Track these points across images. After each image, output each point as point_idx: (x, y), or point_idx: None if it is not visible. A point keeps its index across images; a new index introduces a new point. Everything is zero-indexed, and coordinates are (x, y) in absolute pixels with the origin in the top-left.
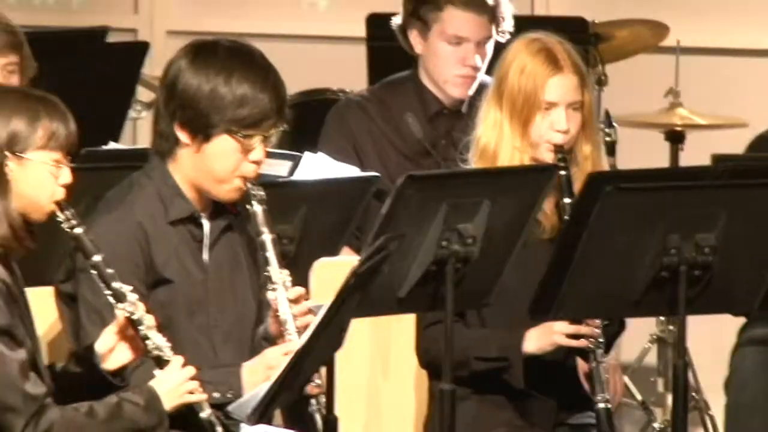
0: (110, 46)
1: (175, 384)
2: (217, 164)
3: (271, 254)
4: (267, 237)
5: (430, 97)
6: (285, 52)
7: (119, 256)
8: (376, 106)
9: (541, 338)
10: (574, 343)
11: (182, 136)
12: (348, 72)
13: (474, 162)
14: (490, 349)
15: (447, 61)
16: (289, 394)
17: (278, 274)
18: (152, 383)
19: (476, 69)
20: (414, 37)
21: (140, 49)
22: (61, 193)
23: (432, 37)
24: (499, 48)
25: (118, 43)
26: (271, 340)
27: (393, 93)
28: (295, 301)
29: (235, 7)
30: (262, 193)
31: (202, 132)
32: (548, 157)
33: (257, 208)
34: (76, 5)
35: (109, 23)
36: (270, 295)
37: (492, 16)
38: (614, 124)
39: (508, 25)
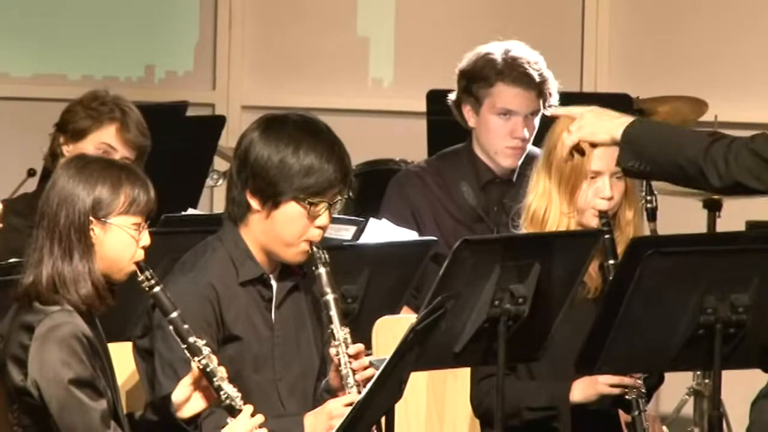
0: (190, 120)
1: (245, 430)
2: (285, 229)
3: (333, 313)
4: (330, 297)
5: (483, 167)
6: (351, 125)
7: (193, 314)
8: (433, 176)
9: (587, 389)
10: (616, 391)
11: (253, 202)
12: (409, 144)
13: (525, 227)
14: (539, 399)
15: (497, 134)
16: None
17: (340, 331)
18: (225, 430)
19: (524, 140)
20: (467, 111)
21: (217, 123)
22: (140, 255)
23: (483, 111)
24: (547, 121)
25: (197, 117)
26: (333, 392)
27: (448, 164)
28: (354, 356)
29: (305, 84)
30: (326, 256)
31: (272, 199)
32: (593, 222)
33: (322, 270)
34: (158, 82)
35: (188, 99)
36: (332, 351)
37: (539, 91)
38: (654, 191)
39: (554, 100)
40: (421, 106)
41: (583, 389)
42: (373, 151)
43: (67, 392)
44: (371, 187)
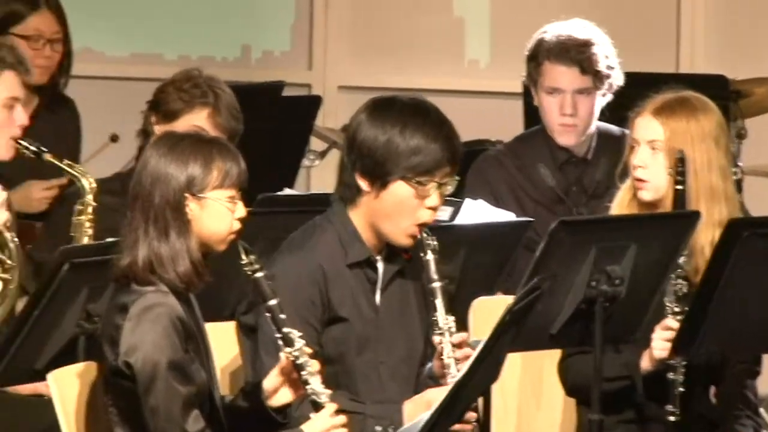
0: (286, 100)
1: (323, 429)
2: (395, 210)
3: (439, 301)
4: (437, 285)
5: (557, 147)
6: (447, 105)
7: (299, 294)
8: (511, 159)
9: (652, 355)
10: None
11: (362, 184)
12: (505, 125)
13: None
14: (614, 369)
15: (549, 112)
16: (448, 423)
17: (444, 320)
18: (304, 426)
19: (574, 117)
20: (533, 92)
21: (313, 103)
22: (237, 226)
23: (539, 91)
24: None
25: (293, 97)
26: (435, 379)
27: (525, 146)
28: (458, 345)
29: (402, 64)
30: (435, 243)
31: (380, 179)
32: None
33: (430, 257)
34: (255, 62)
35: (285, 79)
36: (435, 339)
37: (582, 68)
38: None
39: (616, 79)
40: (518, 86)
41: (649, 356)
42: (469, 131)
43: (155, 373)
44: (467, 168)
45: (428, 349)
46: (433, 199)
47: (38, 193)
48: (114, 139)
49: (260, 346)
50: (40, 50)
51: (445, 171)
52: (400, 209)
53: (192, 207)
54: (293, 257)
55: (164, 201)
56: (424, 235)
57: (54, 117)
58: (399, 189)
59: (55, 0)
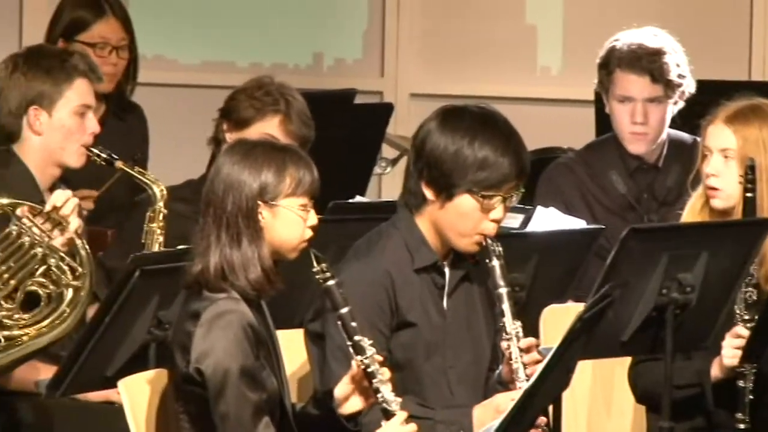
0: (358, 108)
1: None
2: (459, 221)
3: (506, 307)
4: (503, 291)
5: (628, 155)
6: (519, 113)
7: (368, 300)
8: (582, 167)
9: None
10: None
11: (428, 193)
12: (577, 132)
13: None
14: (685, 376)
15: (620, 120)
16: (519, 430)
17: (512, 325)
18: None
19: (644, 125)
20: (605, 99)
21: (385, 110)
22: (309, 234)
23: (610, 99)
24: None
25: (365, 105)
26: (505, 384)
27: (596, 153)
28: (526, 350)
29: (473, 71)
30: (500, 249)
31: (446, 191)
32: (714, 203)
33: (495, 263)
34: (327, 69)
35: (357, 86)
36: (503, 344)
37: (653, 77)
38: None
39: (688, 87)
40: (590, 94)
41: (719, 364)
42: (541, 139)
43: (226, 380)
44: (538, 176)
45: (495, 353)
46: (498, 212)
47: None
48: (137, 160)
49: (328, 353)
50: (105, 58)
51: (511, 185)
52: (464, 221)
53: (264, 214)
54: (360, 264)
55: (237, 208)
56: (489, 241)
57: (121, 124)
58: (464, 201)
59: (120, 7)
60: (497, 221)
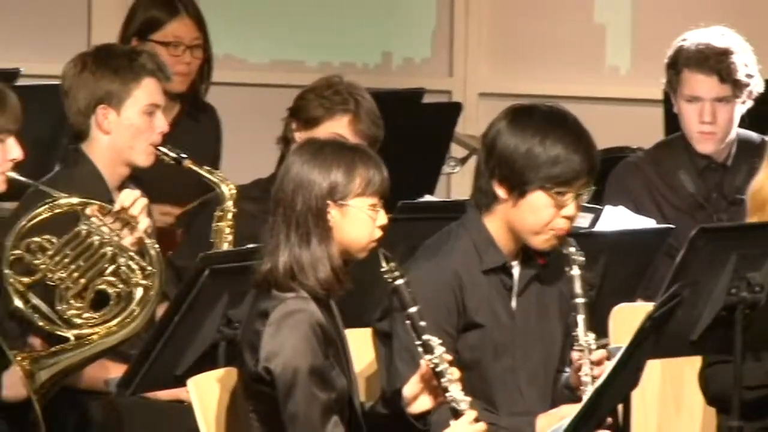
0: (426, 107)
1: None
2: (531, 218)
3: (581, 318)
4: (581, 301)
5: (697, 154)
6: (588, 112)
7: (435, 300)
8: (651, 166)
9: None
10: None
11: (500, 191)
12: (646, 132)
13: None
14: (757, 377)
15: (688, 120)
16: (588, 429)
17: (584, 336)
18: None
19: (712, 125)
20: (673, 99)
21: (454, 110)
22: (378, 234)
23: (678, 98)
24: None
25: (434, 104)
26: (572, 389)
27: (665, 152)
28: (597, 363)
29: (542, 71)
30: (582, 259)
31: (518, 188)
32: None
33: (576, 272)
34: (395, 69)
35: (425, 85)
36: (575, 355)
37: (721, 77)
38: None
39: (756, 86)
40: (658, 93)
41: None
42: (609, 139)
43: (295, 379)
44: (607, 175)
45: (564, 355)
46: (570, 208)
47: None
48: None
49: (395, 353)
50: (179, 57)
51: (582, 181)
52: (537, 218)
53: (334, 214)
54: (428, 264)
55: (306, 207)
56: (572, 249)
57: (195, 124)
58: (537, 198)
59: (194, 6)
60: (570, 218)
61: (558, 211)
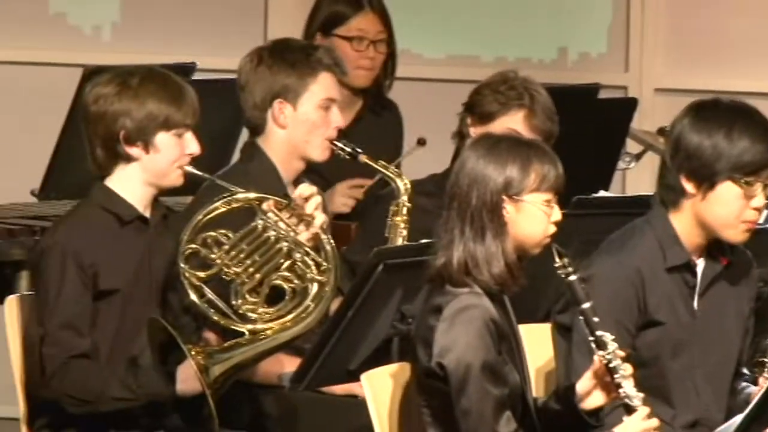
0: (602, 102)
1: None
2: (722, 210)
3: None
4: None
5: None
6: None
7: (616, 297)
8: None
9: None
10: None
11: (688, 186)
12: None
13: None
14: None
15: None
16: (761, 427)
17: None
18: (617, 429)
19: None
20: None
21: (629, 105)
22: (552, 230)
23: None
24: None
25: (609, 99)
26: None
27: None
28: None
29: (719, 67)
30: None
31: (707, 181)
32: None
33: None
34: (571, 64)
35: (601, 81)
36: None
37: None
38: None
39: None
40: None
41: None
42: None
43: (468, 375)
44: None
45: (742, 355)
46: (759, 199)
47: (341, 195)
48: (421, 142)
49: (574, 345)
50: (363, 51)
51: None
52: (727, 210)
53: (509, 209)
54: (612, 259)
55: (481, 202)
56: None
57: (378, 120)
58: (727, 190)
59: (379, 1)
60: (759, 209)
61: (747, 203)
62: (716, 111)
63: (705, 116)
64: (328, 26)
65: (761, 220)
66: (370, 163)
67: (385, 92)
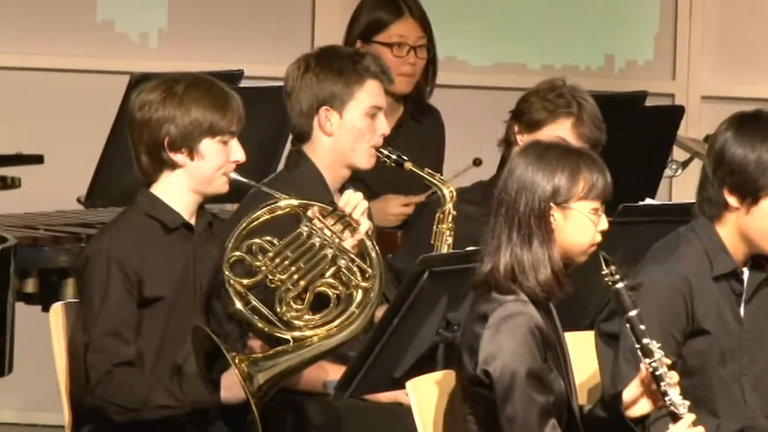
0: (648, 110)
1: None
2: (766, 224)
3: None
4: None
5: None
6: None
7: (664, 305)
8: None
9: None
10: None
11: (731, 200)
12: None
13: None
14: None
15: None
16: None
17: None
18: None
19: None
20: None
21: (676, 113)
22: (599, 238)
23: None
24: None
25: (656, 107)
26: None
27: None
28: None
29: (765, 74)
30: None
31: (751, 195)
32: None
33: None
34: (618, 71)
35: (648, 88)
36: None
37: None
38: None
39: None
40: None
41: None
42: None
43: (514, 383)
44: None
45: None
46: None
47: (395, 209)
48: (477, 162)
49: (620, 353)
50: (404, 58)
51: None
52: None
53: (556, 217)
54: (660, 267)
55: (529, 209)
56: None
57: (419, 127)
58: None
59: (418, 7)
60: None
61: None
62: (759, 124)
63: (747, 129)
64: (369, 33)
65: None
66: (416, 170)
67: (425, 98)
